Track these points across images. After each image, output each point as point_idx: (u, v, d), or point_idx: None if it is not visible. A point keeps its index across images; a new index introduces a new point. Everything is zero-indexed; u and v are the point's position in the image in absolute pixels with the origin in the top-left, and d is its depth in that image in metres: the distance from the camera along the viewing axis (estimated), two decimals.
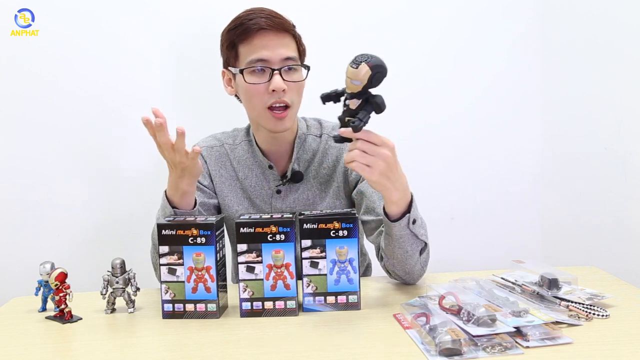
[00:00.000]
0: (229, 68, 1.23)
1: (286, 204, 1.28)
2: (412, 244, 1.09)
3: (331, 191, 1.28)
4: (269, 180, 1.29)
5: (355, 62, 0.93)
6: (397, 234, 1.07)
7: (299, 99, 1.21)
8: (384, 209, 1.07)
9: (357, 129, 0.95)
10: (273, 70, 1.16)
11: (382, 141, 0.98)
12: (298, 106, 1.22)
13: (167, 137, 1.05)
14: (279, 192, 1.28)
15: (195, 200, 1.14)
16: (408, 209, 1.05)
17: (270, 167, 1.28)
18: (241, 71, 1.18)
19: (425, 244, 1.12)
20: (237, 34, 1.18)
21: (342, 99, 0.99)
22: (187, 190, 1.10)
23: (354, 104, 0.97)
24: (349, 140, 0.99)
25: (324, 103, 1.02)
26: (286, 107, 1.17)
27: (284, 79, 1.16)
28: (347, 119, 0.98)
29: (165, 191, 1.12)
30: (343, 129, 0.99)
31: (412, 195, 1.07)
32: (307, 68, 1.21)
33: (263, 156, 1.28)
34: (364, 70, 0.93)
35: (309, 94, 1.21)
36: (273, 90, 1.15)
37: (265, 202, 1.29)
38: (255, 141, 1.29)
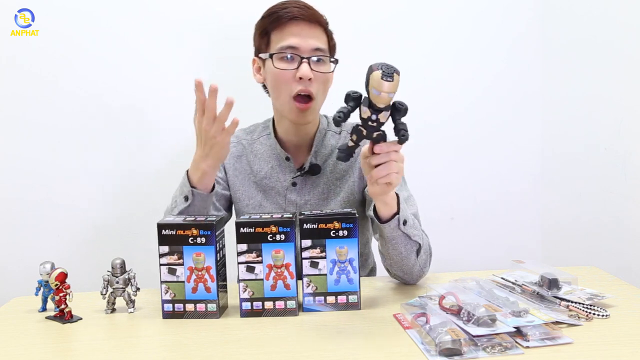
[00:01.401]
0: (260, 55, 1.25)
1: (301, 196, 1.28)
2: (405, 245, 1.09)
3: (346, 186, 1.28)
4: (285, 172, 1.29)
5: (388, 75, 0.88)
6: (389, 235, 1.07)
7: (323, 92, 1.22)
8: (374, 211, 1.08)
9: (406, 140, 0.94)
10: (302, 58, 1.17)
11: (399, 146, 0.97)
12: (322, 100, 1.24)
13: (216, 103, 1.05)
14: (294, 184, 1.29)
15: (214, 185, 1.15)
16: (397, 210, 1.06)
17: (288, 158, 1.29)
18: (271, 56, 1.20)
19: (420, 245, 1.11)
20: (270, 21, 1.20)
21: (365, 117, 0.93)
22: (207, 171, 1.11)
23: (384, 116, 0.93)
24: (351, 154, 0.98)
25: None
26: (310, 98, 1.18)
27: (312, 69, 1.17)
28: (375, 131, 0.94)
29: (187, 170, 1.14)
30: (390, 142, 0.95)
31: (397, 195, 1.07)
32: (336, 62, 1.23)
33: (281, 148, 1.29)
34: (398, 80, 0.90)
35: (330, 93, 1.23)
36: (300, 78, 1.17)
37: (279, 194, 1.29)
38: (276, 133, 1.31)
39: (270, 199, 1.30)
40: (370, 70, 0.90)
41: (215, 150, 1.08)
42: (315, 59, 1.18)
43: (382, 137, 0.95)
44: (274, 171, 1.30)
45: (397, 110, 0.94)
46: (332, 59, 1.23)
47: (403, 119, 0.94)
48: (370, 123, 0.93)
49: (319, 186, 1.28)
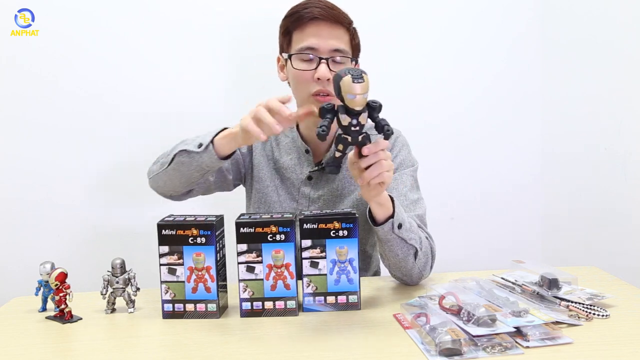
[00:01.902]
0: (282, 54, 1.25)
1: (315, 190, 1.29)
2: (401, 247, 1.09)
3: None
4: (303, 165, 1.30)
5: (357, 77, 0.90)
6: (384, 238, 1.07)
7: None
8: (369, 213, 1.07)
9: (391, 135, 0.95)
10: (320, 59, 1.17)
11: (387, 144, 0.98)
12: None
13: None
14: (310, 178, 1.29)
15: (228, 158, 1.12)
16: (392, 214, 1.05)
17: (307, 151, 1.30)
18: (290, 56, 1.21)
19: (417, 249, 1.10)
20: (292, 21, 1.21)
21: (346, 124, 0.94)
22: (234, 136, 1.06)
23: (364, 118, 0.94)
24: (340, 165, 0.98)
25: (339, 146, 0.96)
26: (329, 96, 1.18)
27: (330, 69, 1.17)
28: (359, 134, 0.94)
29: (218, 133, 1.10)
30: (376, 142, 0.95)
31: (392, 198, 1.07)
32: (355, 62, 1.23)
33: (302, 141, 1.30)
34: (367, 79, 0.91)
35: None
36: (318, 79, 1.17)
37: (294, 186, 1.30)
38: (298, 127, 1.32)
39: (285, 188, 1.31)
40: (339, 77, 0.91)
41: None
42: (334, 59, 1.18)
43: (368, 139, 0.96)
44: (292, 162, 1.31)
45: (373, 109, 0.95)
46: (353, 59, 1.23)
47: (381, 115, 0.96)
48: (352, 128, 0.94)
49: (334, 182, 1.29)
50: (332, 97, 1.17)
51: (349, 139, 0.95)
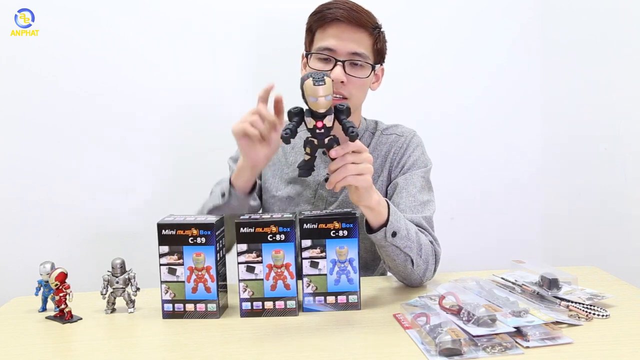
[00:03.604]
0: (304, 52, 1.25)
1: (332, 193, 1.27)
2: (397, 254, 1.08)
3: (376, 185, 1.26)
4: (320, 167, 1.26)
5: (318, 79, 0.91)
6: (378, 244, 1.07)
7: (359, 95, 1.21)
8: (365, 220, 1.06)
9: (357, 137, 0.95)
10: (337, 61, 1.16)
11: (360, 146, 0.97)
12: (358, 100, 1.22)
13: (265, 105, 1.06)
14: (327, 180, 1.28)
15: (254, 188, 1.16)
16: (385, 222, 1.04)
17: (324, 152, 1.28)
18: (308, 55, 1.21)
19: (412, 258, 1.09)
20: (315, 20, 1.20)
21: (311, 126, 0.95)
22: (242, 167, 1.11)
23: (329, 120, 0.95)
24: (312, 168, 0.99)
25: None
26: (344, 97, 1.17)
27: (345, 72, 1.16)
28: (325, 137, 0.95)
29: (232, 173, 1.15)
30: (344, 145, 0.96)
31: (388, 204, 1.05)
32: (373, 67, 1.21)
33: None
34: (330, 82, 0.93)
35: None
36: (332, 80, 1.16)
37: (309, 188, 1.28)
38: None
39: (300, 193, 1.28)
40: (302, 81, 0.93)
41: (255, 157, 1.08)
42: (351, 62, 1.17)
43: (335, 141, 0.96)
44: None
45: (340, 112, 0.96)
46: (374, 64, 1.21)
47: (349, 119, 0.96)
48: (317, 131, 0.95)
49: None
50: (347, 98, 1.17)
51: (316, 142, 0.96)
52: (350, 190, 1.01)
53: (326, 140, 0.96)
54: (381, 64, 1.26)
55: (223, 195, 1.13)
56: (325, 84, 0.91)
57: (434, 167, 1.31)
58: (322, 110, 0.93)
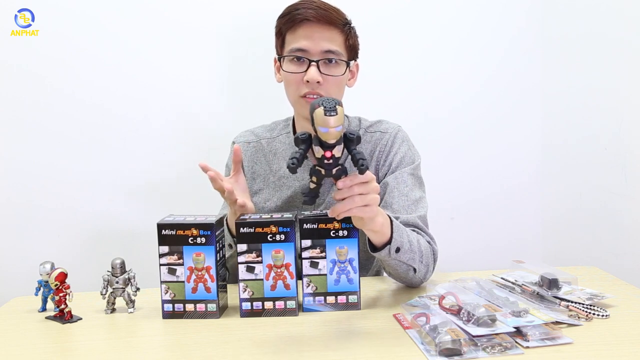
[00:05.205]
0: (276, 55, 1.25)
1: (320, 197, 1.24)
2: (400, 266, 1.08)
3: None
4: (304, 171, 1.25)
5: (330, 109, 0.85)
6: (382, 259, 1.07)
7: (336, 93, 1.20)
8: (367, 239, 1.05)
9: (367, 169, 0.90)
10: (311, 61, 1.16)
11: (369, 176, 0.93)
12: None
13: (220, 184, 1.07)
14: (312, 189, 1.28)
15: None
16: (389, 239, 1.02)
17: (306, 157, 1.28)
18: (280, 58, 1.20)
19: (415, 268, 1.09)
20: (284, 22, 1.20)
21: (319, 156, 0.89)
22: (231, 213, 1.14)
23: (339, 151, 0.89)
24: (317, 195, 0.95)
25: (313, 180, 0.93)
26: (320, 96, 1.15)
27: (321, 72, 1.16)
28: (334, 167, 0.90)
29: (226, 220, 1.17)
30: (351, 176, 0.91)
31: (391, 220, 1.03)
32: (347, 64, 1.20)
33: None
34: (342, 111, 0.86)
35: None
36: (307, 81, 1.16)
37: (297, 193, 1.27)
38: (295, 130, 1.30)
39: (285, 198, 1.27)
40: (312, 108, 0.87)
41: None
42: (326, 61, 1.17)
43: (343, 172, 0.91)
44: None
45: (350, 141, 0.90)
46: (348, 60, 1.20)
47: (358, 147, 0.92)
48: (326, 161, 0.89)
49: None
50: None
51: (323, 171, 0.90)
52: (354, 218, 0.98)
53: (334, 170, 0.90)
54: (355, 60, 1.26)
55: (230, 246, 1.16)
56: (337, 114, 0.85)
57: (433, 167, 1.31)
58: (332, 141, 0.88)
